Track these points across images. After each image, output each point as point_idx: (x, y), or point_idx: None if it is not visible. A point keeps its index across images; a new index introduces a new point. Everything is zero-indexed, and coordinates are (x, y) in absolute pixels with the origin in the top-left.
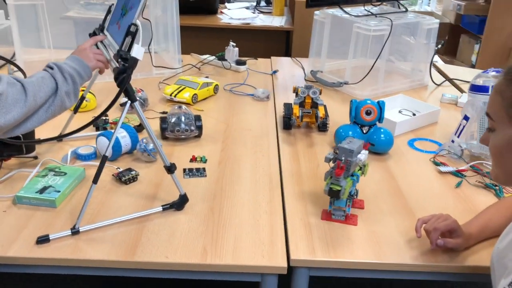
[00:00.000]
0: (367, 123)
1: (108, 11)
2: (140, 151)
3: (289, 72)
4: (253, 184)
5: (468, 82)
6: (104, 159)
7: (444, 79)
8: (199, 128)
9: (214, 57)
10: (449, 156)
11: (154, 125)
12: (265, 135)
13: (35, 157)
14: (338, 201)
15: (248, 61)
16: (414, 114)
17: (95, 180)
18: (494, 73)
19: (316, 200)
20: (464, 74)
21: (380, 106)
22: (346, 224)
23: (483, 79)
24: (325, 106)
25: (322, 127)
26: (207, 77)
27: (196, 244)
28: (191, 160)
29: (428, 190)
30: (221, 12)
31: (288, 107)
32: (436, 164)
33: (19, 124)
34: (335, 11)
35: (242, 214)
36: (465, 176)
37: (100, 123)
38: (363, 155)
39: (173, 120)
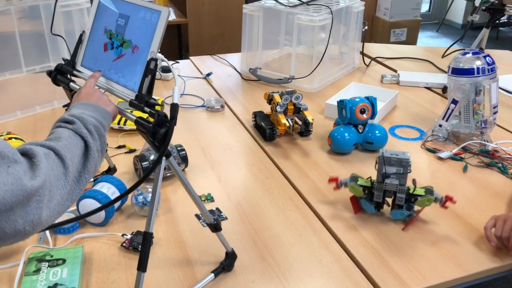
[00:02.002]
0: (363, 122)
1: (79, 41)
2: (138, 206)
3: (222, 73)
4: (283, 215)
5: (389, 58)
6: (149, 237)
7: (369, 59)
8: (184, 159)
9: None
10: (435, 140)
11: (123, 167)
12: (250, 151)
13: None
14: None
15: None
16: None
17: (143, 267)
18: (470, 55)
19: (362, 216)
20: (380, 51)
21: (372, 102)
22: (405, 236)
23: (464, 62)
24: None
25: (306, 132)
26: None
27: None
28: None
29: (440, 180)
30: None
31: (262, 116)
32: (432, 151)
33: None
34: (265, 2)
35: (298, 257)
36: (465, 158)
37: None
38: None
39: (152, 157)
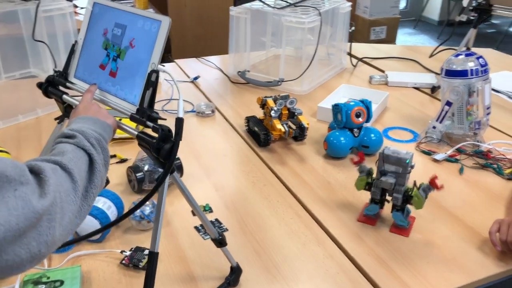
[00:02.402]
0: (358, 126)
1: (72, 52)
2: (135, 220)
3: (209, 76)
4: (284, 224)
5: (376, 58)
6: (155, 258)
7: (356, 60)
8: (180, 168)
9: None
10: (429, 142)
11: (115, 178)
12: (245, 157)
13: None
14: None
15: None
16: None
17: None
18: (463, 56)
19: (364, 224)
20: (365, 51)
21: (367, 106)
22: (409, 242)
23: (457, 64)
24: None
25: (300, 136)
26: None
27: None
28: (194, 214)
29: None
30: (76, 13)
31: (256, 121)
32: (427, 153)
33: None
34: (253, 4)
35: (303, 268)
36: (460, 160)
37: None
38: None
39: (146, 167)
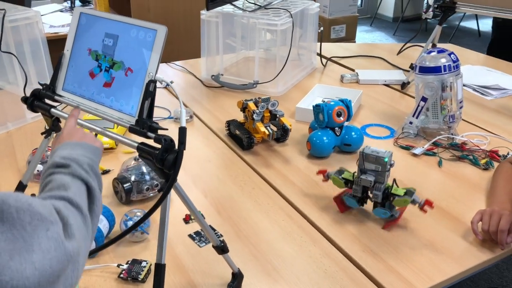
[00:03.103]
0: (340, 125)
1: (59, 64)
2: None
3: (182, 81)
4: (278, 227)
5: (345, 57)
6: (162, 270)
7: (326, 59)
8: None
9: None
10: (406, 137)
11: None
12: (230, 162)
13: None
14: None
15: None
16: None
17: None
18: (435, 53)
19: (356, 220)
20: (333, 50)
21: (347, 105)
22: (401, 236)
23: (430, 61)
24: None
25: (282, 138)
26: None
27: None
28: (186, 221)
29: (418, 176)
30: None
31: (237, 124)
32: (406, 148)
33: None
34: (224, 8)
35: (303, 269)
36: (437, 153)
37: None
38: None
39: (133, 177)
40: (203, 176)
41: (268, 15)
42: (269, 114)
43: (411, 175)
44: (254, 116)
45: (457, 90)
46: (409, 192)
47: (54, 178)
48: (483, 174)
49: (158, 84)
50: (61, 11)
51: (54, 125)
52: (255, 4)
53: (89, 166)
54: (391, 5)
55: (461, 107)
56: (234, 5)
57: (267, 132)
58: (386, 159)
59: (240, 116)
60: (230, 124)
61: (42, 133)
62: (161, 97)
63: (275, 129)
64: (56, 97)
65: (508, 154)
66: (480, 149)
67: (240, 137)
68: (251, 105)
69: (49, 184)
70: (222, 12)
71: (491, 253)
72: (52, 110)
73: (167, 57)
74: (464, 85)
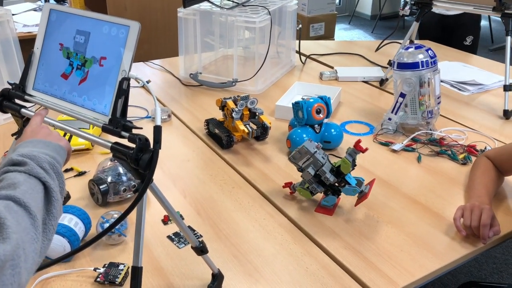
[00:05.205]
0: (319, 122)
1: (29, 63)
2: (108, 234)
3: (159, 80)
4: (259, 226)
5: (323, 55)
6: (139, 273)
7: (305, 57)
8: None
9: None
10: (385, 133)
11: (76, 192)
12: (210, 161)
13: None
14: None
15: None
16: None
17: None
18: (413, 49)
19: (335, 217)
20: (312, 48)
21: (326, 102)
22: (382, 232)
23: (408, 57)
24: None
25: (262, 136)
26: None
27: None
28: (164, 222)
29: (397, 172)
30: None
31: (216, 123)
32: (385, 144)
33: None
34: (201, 5)
35: (284, 268)
36: (416, 149)
37: None
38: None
39: (109, 178)
40: (182, 176)
41: (246, 12)
42: (248, 112)
43: (390, 171)
44: (233, 115)
45: (434, 86)
46: (358, 182)
47: (7, 176)
48: (462, 168)
49: (135, 84)
50: (34, 10)
51: (25, 126)
52: (233, 1)
53: (49, 165)
54: (369, 3)
55: (439, 103)
56: (211, 2)
57: (246, 131)
58: (305, 145)
59: (219, 115)
60: (209, 122)
61: (12, 135)
62: (138, 96)
63: (254, 127)
64: (26, 97)
65: (485, 148)
66: (458, 144)
67: (220, 136)
68: (230, 103)
69: (1, 183)
70: (200, 9)
71: (472, 247)
72: (23, 110)
73: (144, 56)
74: (441, 81)
